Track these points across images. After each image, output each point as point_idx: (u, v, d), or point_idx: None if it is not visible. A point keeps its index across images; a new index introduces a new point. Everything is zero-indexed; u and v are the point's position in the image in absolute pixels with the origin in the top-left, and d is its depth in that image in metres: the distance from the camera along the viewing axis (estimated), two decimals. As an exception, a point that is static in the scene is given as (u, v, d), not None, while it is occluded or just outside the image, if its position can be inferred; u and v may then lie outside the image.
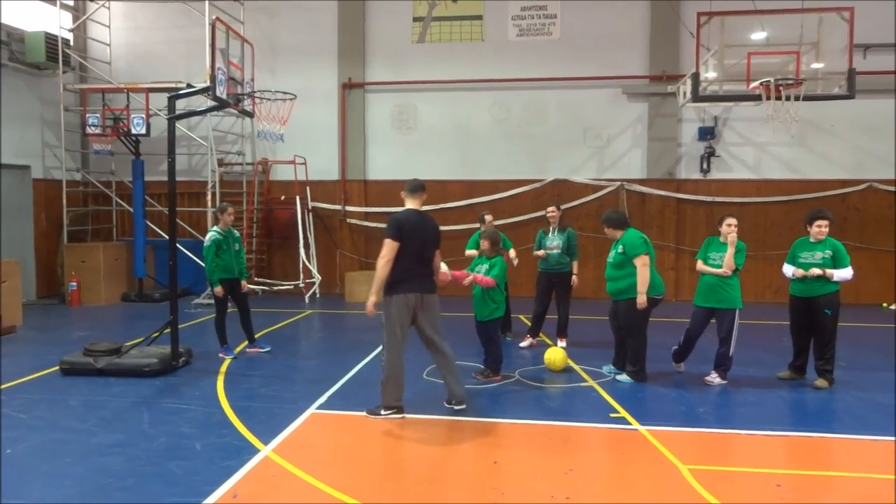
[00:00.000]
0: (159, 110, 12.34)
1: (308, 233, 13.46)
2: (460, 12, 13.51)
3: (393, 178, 13.70)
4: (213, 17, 8.44)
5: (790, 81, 9.31)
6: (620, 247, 6.92)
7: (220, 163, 13.48)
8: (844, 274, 6.63)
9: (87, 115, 12.43)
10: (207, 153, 13.04)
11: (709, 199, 12.87)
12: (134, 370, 7.13)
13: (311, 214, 13.62)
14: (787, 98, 9.41)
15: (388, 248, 5.65)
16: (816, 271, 6.62)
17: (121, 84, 13.01)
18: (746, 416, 5.93)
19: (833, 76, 9.73)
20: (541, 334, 8.86)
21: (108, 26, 14.10)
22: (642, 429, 5.53)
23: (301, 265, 13.12)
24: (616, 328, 7.19)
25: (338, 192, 13.81)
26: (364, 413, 5.90)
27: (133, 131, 12.29)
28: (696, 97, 10.01)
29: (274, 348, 8.50)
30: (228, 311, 8.15)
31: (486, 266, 7.03)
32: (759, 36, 10.65)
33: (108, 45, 14.12)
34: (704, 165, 12.87)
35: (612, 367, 7.28)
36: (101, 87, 13.07)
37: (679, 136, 13.04)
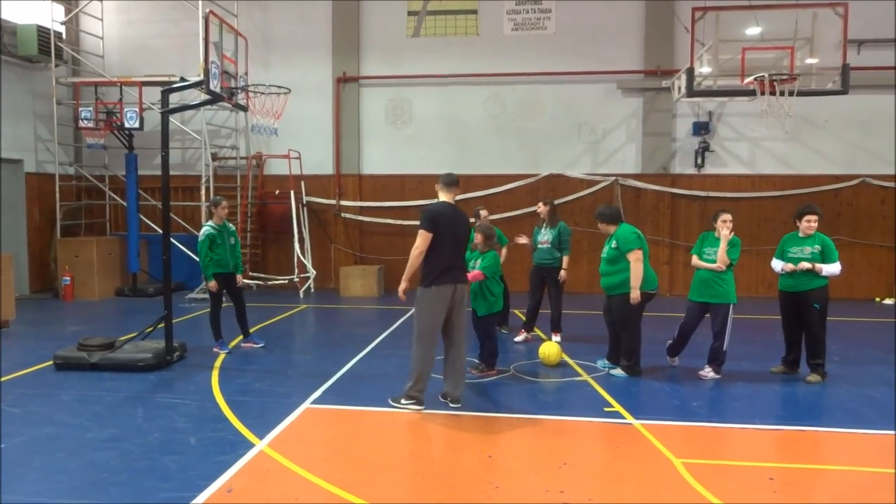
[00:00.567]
0: (153, 104, 12.28)
1: (303, 227, 13.44)
2: (455, 7, 13.47)
3: (388, 173, 13.72)
4: (207, 10, 8.41)
5: (784, 77, 9.34)
6: (614, 242, 6.93)
7: (214, 157, 13.43)
8: (833, 269, 6.67)
9: (80, 109, 12.35)
10: (201, 147, 12.99)
11: (703, 193, 12.91)
12: (128, 365, 7.11)
13: (305, 209, 13.59)
14: (782, 93, 9.44)
15: (422, 239, 5.70)
16: (805, 265, 6.65)
17: (114, 78, 12.94)
18: (739, 410, 5.96)
19: (827, 72, 9.76)
20: (535, 329, 8.87)
21: (101, 19, 14.01)
22: (636, 423, 5.55)
23: (296, 260, 13.10)
24: (610, 323, 7.21)
25: (332, 187, 13.79)
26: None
27: (126, 125, 12.23)
28: (691, 92, 10.03)
29: (268, 343, 8.49)
30: (223, 305, 8.13)
31: (479, 261, 7.04)
32: (753, 31, 10.68)
33: (101, 38, 14.04)
34: (699, 160, 12.90)
35: (607, 362, 7.30)
36: (94, 80, 13.00)
37: (673, 131, 13.07)
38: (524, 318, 8.89)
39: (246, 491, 4.30)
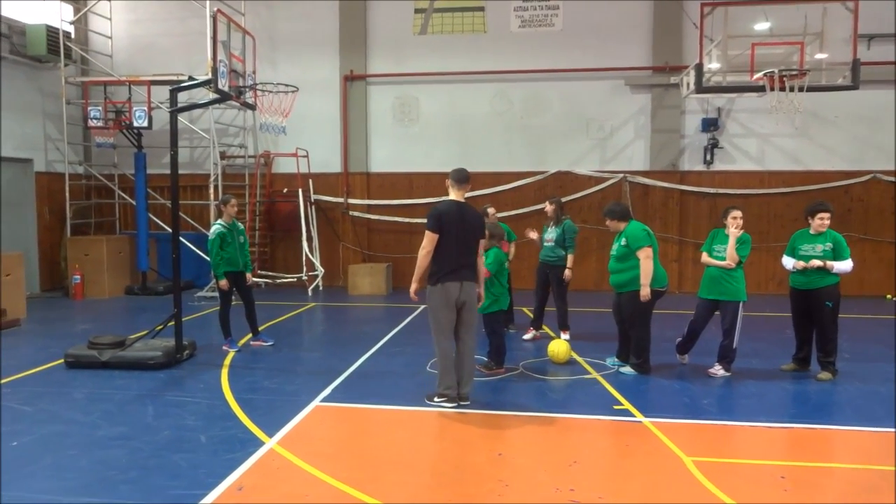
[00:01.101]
0: (161, 103, 12.31)
1: (311, 225, 13.45)
2: (462, 4, 13.44)
3: (395, 171, 13.72)
4: (214, 9, 8.42)
5: (794, 72, 9.26)
6: (623, 239, 6.90)
7: (223, 156, 13.46)
8: (845, 266, 6.62)
9: (89, 108, 12.41)
10: (210, 146, 13.02)
11: (712, 190, 12.84)
12: (138, 363, 7.15)
13: (313, 207, 13.61)
14: (791, 89, 9.36)
15: (428, 239, 5.78)
16: (817, 263, 6.61)
17: (122, 77, 12.98)
18: (750, 408, 5.93)
19: (837, 67, 9.67)
20: (544, 327, 8.86)
21: (110, 19, 14.06)
22: (646, 421, 5.53)
23: (304, 258, 13.11)
24: (619, 321, 7.18)
25: (340, 185, 13.80)
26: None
27: (135, 124, 12.28)
28: (700, 88, 9.96)
29: (277, 341, 8.51)
30: (233, 304, 8.15)
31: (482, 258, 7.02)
32: (762, 26, 10.59)
33: (110, 37, 14.10)
34: (708, 157, 12.84)
35: (616, 360, 7.28)
36: (103, 79, 13.04)
37: (682, 127, 13.00)
38: (532, 316, 8.87)
39: (256, 489, 4.31)
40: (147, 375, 6.94)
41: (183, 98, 8.89)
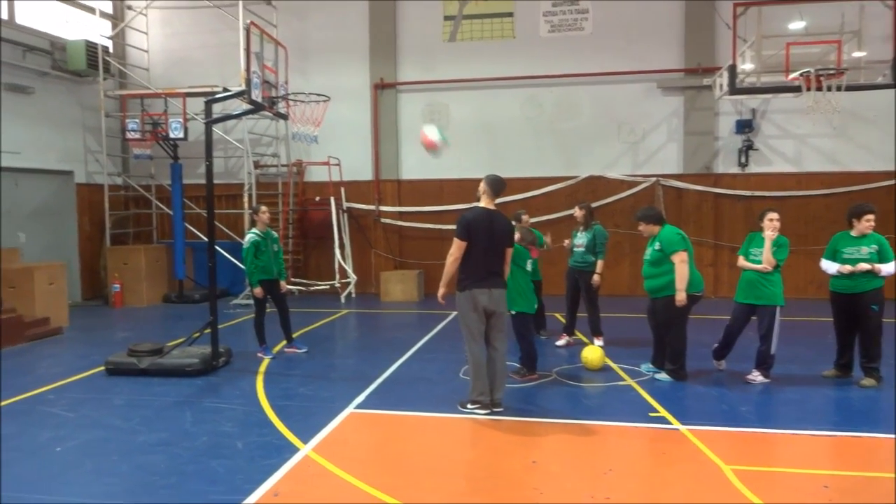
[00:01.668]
0: (196, 114, 12.56)
1: (343, 233, 13.57)
2: (491, 10, 13.46)
3: (426, 178, 13.76)
4: (248, 21, 8.56)
5: (831, 71, 9.08)
6: (657, 244, 6.82)
7: (256, 165, 13.66)
8: (890, 268, 6.46)
9: (127, 121, 12.71)
10: (243, 156, 13.23)
11: (747, 193, 12.62)
12: (176, 370, 7.27)
13: (345, 215, 13.73)
14: (829, 88, 9.18)
15: (456, 246, 5.81)
16: (865, 266, 6.44)
17: (159, 89, 13.27)
18: (790, 416, 5.81)
19: (876, 65, 9.46)
20: (577, 332, 8.79)
21: (146, 33, 14.40)
22: (683, 428, 5.45)
23: (336, 265, 13.22)
24: (654, 326, 7.09)
25: (371, 192, 13.89)
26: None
27: (171, 135, 12.53)
28: (733, 90, 9.83)
29: (311, 348, 8.59)
30: (268, 311, 8.25)
31: None
32: (797, 25, 10.42)
33: (146, 51, 14.43)
34: (742, 159, 12.63)
35: (651, 366, 7.19)
36: (140, 92, 13.35)
37: (716, 129, 12.82)
38: (564, 322, 8.81)
39: (292, 495, 4.34)
40: (185, 382, 7.05)
41: (217, 109, 9.04)
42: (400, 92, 13.83)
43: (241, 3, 12.03)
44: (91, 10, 13.42)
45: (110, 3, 14.21)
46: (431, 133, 6.66)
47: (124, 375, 7.32)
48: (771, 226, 6.63)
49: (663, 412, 5.86)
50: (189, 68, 14.08)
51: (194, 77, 13.62)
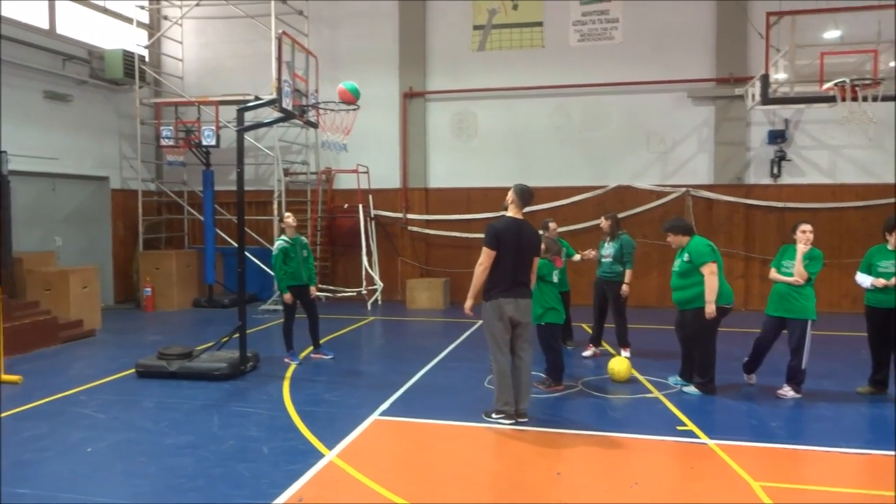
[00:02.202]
0: (228, 122, 12.75)
1: (370, 240, 13.65)
2: (520, 19, 13.48)
3: (453, 186, 13.80)
4: (280, 31, 8.68)
5: (867, 81, 8.90)
6: (686, 255, 6.74)
7: (286, 172, 13.82)
8: (929, 283, 6.30)
9: (161, 128, 12.96)
10: (274, 163, 13.39)
11: (780, 204, 12.42)
12: (204, 374, 7.37)
13: (373, 222, 13.81)
14: (864, 99, 9.00)
15: (485, 256, 5.82)
16: (902, 280, 6.30)
17: (192, 97, 13.51)
18: (823, 432, 5.68)
19: (914, 75, 9.26)
20: (603, 343, 8.71)
21: (181, 42, 14.69)
22: (711, 443, 5.36)
23: (363, 272, 13.30)
24: (683, 338, 6.99)
25: (399, 200, 13.96)
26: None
27: (204, 143, 12.75)
28: (766, 100, 9.69)
29: (337, 354, 8.63)
30: (297, 317, 8.32)
31: None
32: (832, 35, 10.25)
33: (181, 60, 14.72)
34: (775, 170, 12.43)
35: (679, 379, 7.09)
36: (174, 100, 13.60)
37: (747, 139, 12.64)
38: (591, 333, 8.74)
39: (316, 500, 4.36)
40: (213, 386, 7.14)
41: (249, 117, 9.18)
42: (428, 101, 13.90)
43: (273, 13, 12.23)
44: (129, 20, 13.74)
45: (147, 13, 14.53)
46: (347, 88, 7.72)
47: (154, 378, 7.44)
48: (803, 238, 6.52)
49: (691, 426, 5.78)
50: (222, 77, 14.33)
51: (227, 86, 13.84)
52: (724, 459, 5.02)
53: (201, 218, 13.64)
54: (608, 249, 8.38)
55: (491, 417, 5.91)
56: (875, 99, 9.03)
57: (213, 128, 12.72)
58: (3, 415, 6.20)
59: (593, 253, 8.61)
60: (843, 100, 9.05)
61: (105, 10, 13.47)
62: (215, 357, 7.64)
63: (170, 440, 5.50)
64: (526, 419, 5.86)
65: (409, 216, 13.92)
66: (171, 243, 14.70)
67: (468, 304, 6.09)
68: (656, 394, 6.80)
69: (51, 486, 4.59)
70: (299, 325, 8.40)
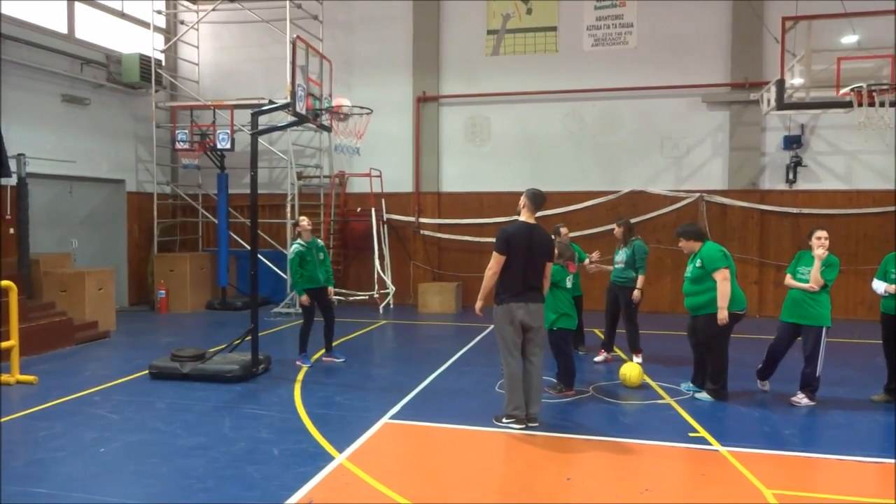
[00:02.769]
0: (243, 126, 12.84)
1: (383, 244, 13.68)
2: (534, 24, 13.48)
3: (466, 190, 13.81)
4: (294, 35, 8.74)
5: (884, 87, 8.82)
6: (698, 261, 6.70)
7: (300, 176, 13.89)
8: (945, 290, 6.22)
9: (177, 132, 13.07)
10: (287, 167, 13.46)
11: (795, 210, 12.31)
12: (217, 375, 7.41)
13: (385, 226, 13.84)
14: (881, 104, 8.91)
15: (495, 260, 5.85)
16: (916, 287, 6.23)
17: (208, 101, 13.63)
18: (837, 440, 5.62)
19: (932, 80, 9.15)
20: (616, 349, 8.67)
21: (197, 47, 14.82)
22: (723, 449, 5.32)
23: (375, 276, 13.33)
24: (695, 344, 6.95)
25: (412, 204, 13.99)
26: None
27: (218, 146, 12.84)
28: (781, 105, 9.62)
29: (349, 357, 8.66)
30: (315, 319, 8.37)
31: None
32: (849, 40, 10.18)
33: (197, 64, 14.84)
34: (790, 175, 12.33)
35: (691, 385, 7.04)
36: (190, 104, 13.73)
37: (762, 145, 12.56)
38: (603, 338, 8.71)
39: (325, 502, 4.37)
40: (224, 388, 7.18)
41: (263, 121, 9.24)
42: (442, 105, 13.92)
43: (288, 18, 12.31)
44: (146, 24, 13.89)
45: (163, 17, 14.68)
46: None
47: (167, 379, 7.49)
48: (819, 244, 6.46)
49: (703, 432, 5.73)
50: (237, 81, 14.44)
51: (242, 89, 13.95)
52: (736, 466, 4.98)
53: (215, 221, 13.73)
54: (621, 255, 8.36)
55: (501, 422, 5.90)
56: (892, 104, 8.94)
57: (228, 131, 12.82)
58: (19, 415, 6.27)
59: (599, 266, 8.64)
60: (860, 105, 8.96)
61: (123, 15, 13.63)
62: (227, 359, 7.69)
63: (182, 441, 5.54)
64: (537, 424, 5.85)
65: (422, 220, 13.94)
66: (186, 246, 14.81)
67: (478, 305, 6.14)
68: (668, 400, 6.76)
69: (64, 486, 4.63)
70: (316, 328, 8.41)
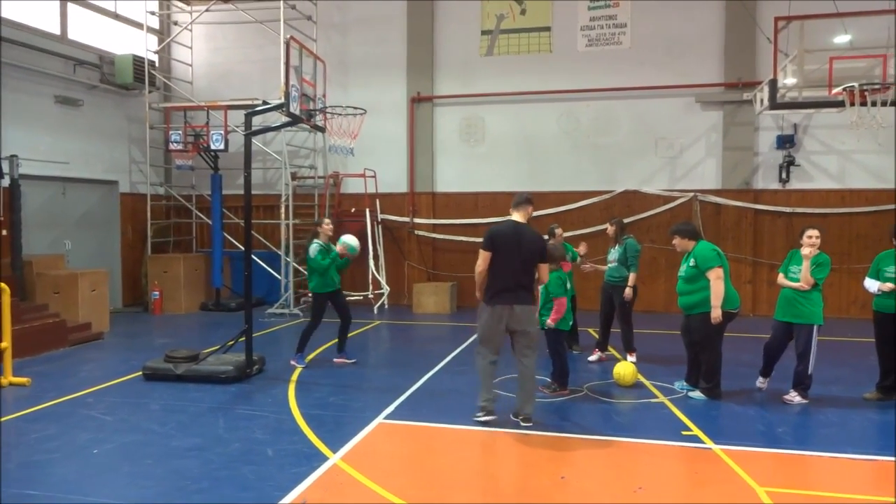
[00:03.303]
0: (237, 126, 12.83)
1: (377, 244, 13.68)
2: (528, 24, 13.50)
3: (461, 191, 13.82)
4: (288, 36, 8.74)
5: (876, 86, 8.86)
6: (692, 260, 6.73)
7: (294, 176, 13.87)
8: (936, 289, 6.26)
9: (170, 132, 13.05)
10: (281, 167, 13.45)
11: (788, 209, 12.36)
12: (211, 376, 7.40)
13: (380, 226, 13.84)
14: (874, 104, 8.96)
15: (481, 258, 5.94)
16: (906, 285, 6.26)
17: (201, 102, 13.59)
18: (829, 438, 5.65)
19: (924, 79, 9.21)
20: (610, 348, 8.69)
21: (191, 47, 14.79)
22: (716, 448, 5.34)
23: (370, 276, 13.32)
24: (689, 343, 6.98)
25: (406, 205, 13.99)
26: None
27: (212, 147, 12.82)
28: (774, 104, 9.67)
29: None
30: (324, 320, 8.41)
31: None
32: (841, 39, 10.22)
33: (190, 65, 14.81)
34: (783, 175, 12.38)
35: (685, 384, 7.07)
36: (183, 105, 13.70)
37: (756, 144, 12.61)
38: (597, 337, 8.73)
39: (320, 503, 4.37)
40: (219, 389, 7.17)
41: (257, 121, 9.24)
42: (436, 105, 13.93)
43: (282, 19, 12.30)
44: (139, 25, 13.86)
45: (157, 18, 14.65)
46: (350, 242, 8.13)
47: (161, 381, 7.47)
48: (809, 243, 6.50)
49: (696, 431, 5.76)
50: (231, 82, 14.42)
51: (236, 90, 13.93)
52: (728, 464, 5.00)
53: (209, 222, 13.71)
54: (614, 254, 8.38)
55: (476, 416, 5.93)
56: (885, 104, 8.98)
57: (222, 132, 12.80)
58: (12, 417, 6.25)
59: (594, 266, 8.66)
60: (852, 105, 9.00)
61: (116, 16, 13.59)
62: (222, 360, 7.68)
63: (176, 442, 5.53)
64: (530, 423, 5.85)
65: (416, 220, 13.95)
66: (180, 247, 14.77)
67: (477, 295, 6.11)
68: (662, 398, 6.78)
69: (58, 488, 4.62)
70: (323, 330, 8.43)
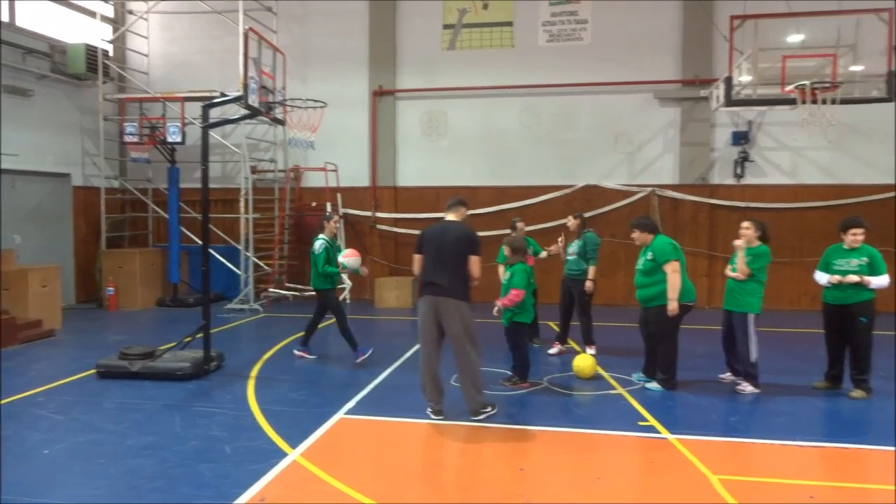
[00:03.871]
0: (195, 119, 12.58)
1: (338, 239, 13.56)
2: (490, 19, 13.53)
3: (423, 185, 13.80)
4: (247, 27, 8.59)
5: (826, 85, 9.12)
6: (650, 253, 6.85)
7: (253, 170, 13.67)
8: (881, 281, 6.49)
9: (125, 124, 12.73)
10: (241, 160, 13.25)
11: (743, 204, 12.64)
12: (167, 374, 7.26)
13: (341, 221, 13.73)
14: (824, 101, 9.22)
15: (414, 260, 6.17)
16: (854, 278, 6.48)
17: (157, 93, 13.30)
18: (780, 426, 5.81)
19: (872, 79, 9.50)
20: (569, 341, 8.79)
21: (147, 37, 14.45)
22: (672, 437, 5.45)
23: (332, 271, 13.19)
24: (646, 336, 7.10)
25: (368, 199, 13.91)
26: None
27: (169, 139, 12.55)
28: (730, 101, 9.86)
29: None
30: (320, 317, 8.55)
31: (508, 274, 7.02)
32: (794, 39, 10.46)
33: (146, 55, 14.47)
34: (738, 170, 12.67)
35: (642, 375, 7.19)
36: (139, 96, 13.38)
37: (712, 140, 12.87)
38: (557, 331, 8.82)
39: (279, 500, 4.34)
40: (176, 386, 7.04)
41: (215, 114, 9.08)
42: (398, 99, 13.87)
43: (241, 9, 12.08)
44: (92, 13, 13.47)
45: (111, 6, 14.26)
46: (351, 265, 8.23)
47: (115, 379, 7.30)
48: (741, 234, 6.75)
49: (653, 421, 5.87)
50: (189, 73, 14.13)
51: (194, 82, 13.65)
52: (683, 454, 5.11)
53: (166, 216, 13.44)
54: (573, 247, 8.46)
55: (427, 413, 6.03)
56: (834, 102, 9.25)
57: (179, 124, 12.54)
58: (-42, 417, 6.05)
59: (558, 247, 8.67)
60: (804, 102, 9.24)
61: (68, 3, 13.18)
62: (178, 357, 7.54)
63: (131, 441, 5.41)
64: (479, 417, 5.86)
65: (378, 215, 13.88)
66: (135, 242, 14.45)
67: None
68: (620, 390, 6.90)
69: (8, 490, 4.48)
70: (303, 321, 8.54)
